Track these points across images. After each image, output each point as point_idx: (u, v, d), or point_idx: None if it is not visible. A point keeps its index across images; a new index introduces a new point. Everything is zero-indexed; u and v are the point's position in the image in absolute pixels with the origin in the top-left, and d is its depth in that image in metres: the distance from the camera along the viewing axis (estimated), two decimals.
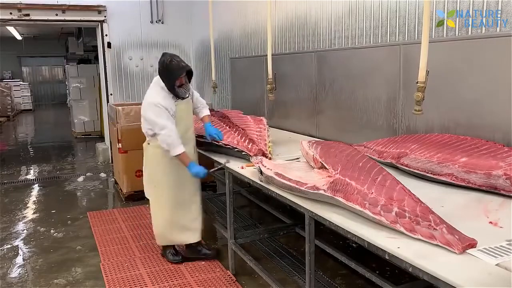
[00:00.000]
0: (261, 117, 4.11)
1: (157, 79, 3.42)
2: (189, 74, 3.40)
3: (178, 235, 3.63)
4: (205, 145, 3.68)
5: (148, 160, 3.57)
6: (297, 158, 3.04)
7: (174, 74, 3.28)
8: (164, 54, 3.38)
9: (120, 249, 4.00)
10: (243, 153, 3.30)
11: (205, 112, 3.75)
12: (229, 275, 3.42)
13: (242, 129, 3.70)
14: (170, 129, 3.26)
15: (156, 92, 3.37)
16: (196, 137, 3.72)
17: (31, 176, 7.10)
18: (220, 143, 3.48)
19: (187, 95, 3.47)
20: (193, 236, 3.65)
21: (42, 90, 21.58)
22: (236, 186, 4.50)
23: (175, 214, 3.57)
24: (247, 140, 3.42)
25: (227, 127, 3.72)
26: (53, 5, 6.83)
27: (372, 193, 1.93)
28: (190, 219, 3.63)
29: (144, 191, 3.73)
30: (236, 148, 3.36)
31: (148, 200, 3.74)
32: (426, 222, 1.71)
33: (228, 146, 3.41)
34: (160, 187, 3.53)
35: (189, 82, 3.44)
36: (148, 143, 3.51)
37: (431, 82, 2.57)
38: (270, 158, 3.16)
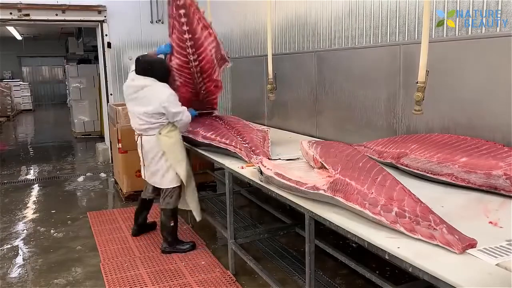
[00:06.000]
0: (267, 129, 4.01)
1: (151, 80, 3.65)
2: None
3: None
4: (205, 145, 3.69)
5: (166, 148, 3.70)
6: (297, 158, 3.04)
7: (169, 70, 3.89)
8: (145, 56, 3.85)
9: (120, 249, 4.00)
10: (243, 149, 3.31)
11: None
12: (229, 275, 3.42)
13: (239, 131, 3.69)
14: (185, 114, 3.70)
15: (167, 90, 3.67)
16: (192, 137, 3.84)
17: (31, 176, 7.10)
18: (220, 144, 3.49)
19: None
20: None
21: (42, 90, 21.54)
22: (236, 186, 4.50)
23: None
24: (248, 143, 3.42)
25: (225, 129, 3.73)
26: (53, 5, 6.82)
27: (372, 193, 1.93)
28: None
29: (156, 182, 3.87)
30: (236, 147, 3.36)
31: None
32: (426, 222, 1.71)
33: (229, 148, 3.41)
34: (183, 164, 3.75)
35: None
36: (160, 133, 3.66)
37: (431, 82, 2.57)
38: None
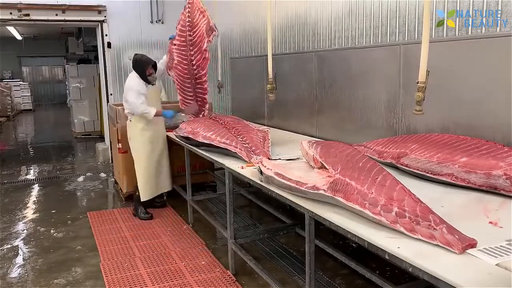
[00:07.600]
0: (267, 129, 4.03)
1: (133, 73, 4.58)
2: (154, 67, 4.60)
3: (158, 187, 4.76)
4: (205, 145, 3.69)
5: (130, 133, 4.65)
6: (297, 158, 3.03)
7: (144, 65, 4.50)
8: (135, 54, 4.70)
9: (120, 249, 4.00)
10: (243, 149, 3.32)
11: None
12: (229, 275, 3.42)
13: (239, 131, 3.68)
14: (135, 104, 4.41)
15: (133, 80, 4.51)
16: (192, 137, 3.89)
17: (31, 176, 7.10)
18: (220, 144, 3.50)
19: (155, 83, 4.65)
20: (168, 186, 4.87)
21: (42, 90, 21.54)
22: (236, 186, 4.51)
23: (153, 171, 4.66)
24: (248, 143, 3.41)
25: (225, 129, 3.73)
26: (53, 5, 6.83)
27: (372, 193, 1.92)
28: (163, 173, 4.80)
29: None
30: (236, 148, 3.36)
31: None
32: (426, 222, 1.71)
33: (229, 148, 3.41)
34: (140, 151, 4.63)
35: (155, 72, 4.63)
36: (130, 120, 4.61)
37: (430, 82, 2.57)
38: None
